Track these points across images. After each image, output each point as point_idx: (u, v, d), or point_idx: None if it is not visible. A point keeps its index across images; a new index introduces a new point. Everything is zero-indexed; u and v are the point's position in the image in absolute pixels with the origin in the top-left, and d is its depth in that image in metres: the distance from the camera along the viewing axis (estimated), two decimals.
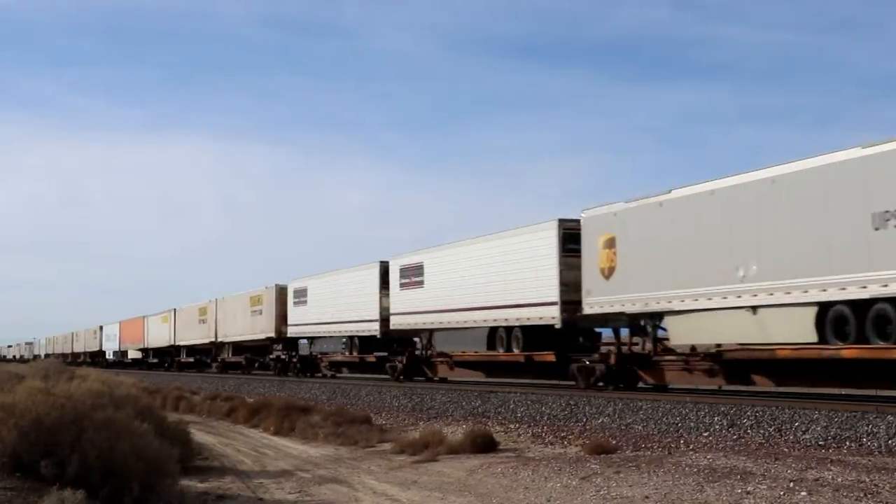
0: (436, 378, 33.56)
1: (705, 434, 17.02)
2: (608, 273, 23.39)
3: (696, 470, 13.25)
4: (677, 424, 17.97)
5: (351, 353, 39.61)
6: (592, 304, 24.04)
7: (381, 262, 36.21)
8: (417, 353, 35.04)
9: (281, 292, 46.42)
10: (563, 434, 18.89)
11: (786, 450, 14.92)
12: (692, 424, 17.69)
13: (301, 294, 44.06)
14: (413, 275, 33.39)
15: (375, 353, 37.68)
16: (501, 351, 28.45)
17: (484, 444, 17.62)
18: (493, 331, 28.73)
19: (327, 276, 41.75)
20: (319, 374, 43.73)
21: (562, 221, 25.29)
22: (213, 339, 57.00)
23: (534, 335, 26.90)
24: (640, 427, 18.56)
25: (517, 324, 27.32)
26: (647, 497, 11.95)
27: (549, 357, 26.38)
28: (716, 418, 17.49)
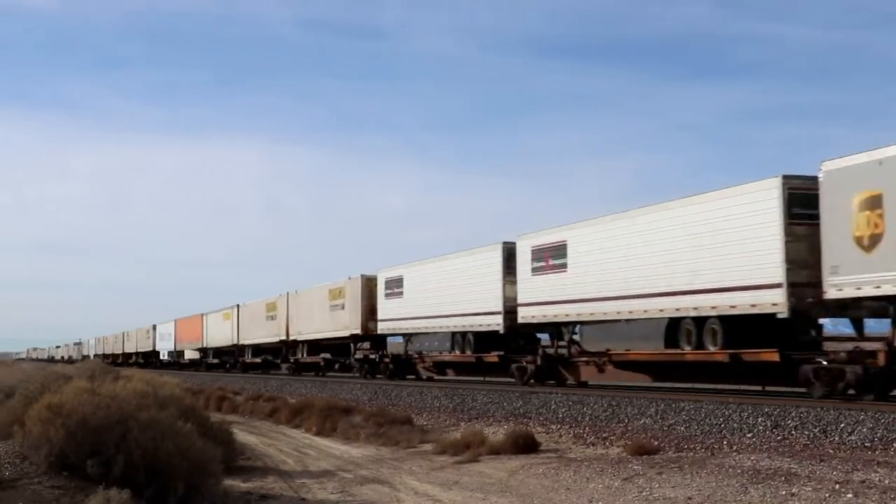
0: (574, 382, 28.32)
1: (749, 435, 16.86)
2: (869, 243, 17.95)
3: (739, 471, 13.14)
4: (720, 425, 17.82)
5: (463, 351, 33.66)
6: (842, 284, 18.50)
7: (505, 243, 30.59)
8: (549, 351, 29.58)
9: (368, 283, 40.81)
10: (604, 435, 18.80)
11: (831, 451, 14.75)
12: (735, 425, 17.53)
13: (395, 284, 38.22)
14: (551, 256, 27.42)
15: (496, 352, 32.03)
16: (688, 349, 22.81)
17: (525, 445, 17.60)
18: (674, 323, 23.19)
19: (431, 262, 36.20)
20: (412, 377, 38.21)
21: (787, 178, 19.88)
22: (283, 338, 51.13)
23: (738, 328, 21.36)
24: (682, 428, 18.42)
25: (713, 313, 21.75)
26: (689, 498, 11.87)
27: (769, 356, 20.68)
28: (759, 419, 17.31)
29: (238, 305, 61.17)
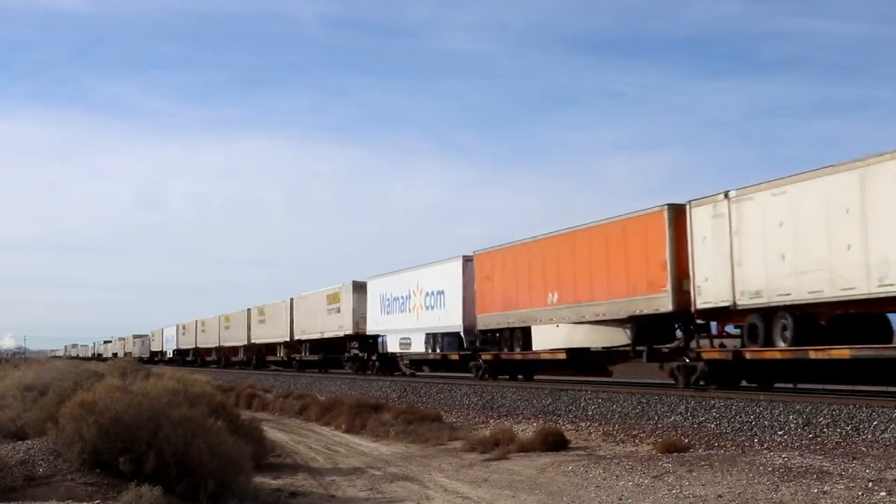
0: None
1: (780, 433, 16.74)
2: None
3: (770, 469, 13.06)
4: (751, 423, 17.70)
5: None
6: None
7: None
8: None
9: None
10: (634, 432, 18.74)
11: (864, 449, 14.61)
12: (766, 423, 17.41)
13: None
14: None
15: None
16: None
17: (555, 443, 17.59)
18: None
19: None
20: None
21: None
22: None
23: None
24: (712, 425, 18.32)
25: None
26: (720, 496, 11.80)
27: None
28: (790, 416, 17.17)
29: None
